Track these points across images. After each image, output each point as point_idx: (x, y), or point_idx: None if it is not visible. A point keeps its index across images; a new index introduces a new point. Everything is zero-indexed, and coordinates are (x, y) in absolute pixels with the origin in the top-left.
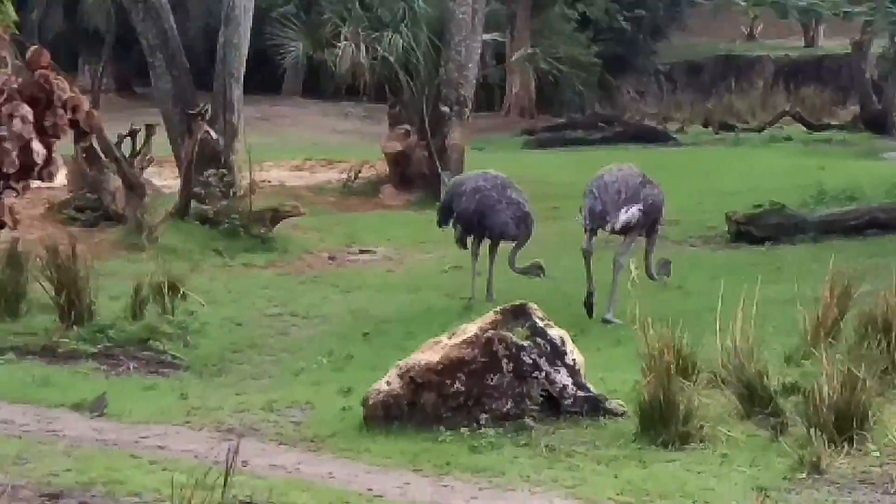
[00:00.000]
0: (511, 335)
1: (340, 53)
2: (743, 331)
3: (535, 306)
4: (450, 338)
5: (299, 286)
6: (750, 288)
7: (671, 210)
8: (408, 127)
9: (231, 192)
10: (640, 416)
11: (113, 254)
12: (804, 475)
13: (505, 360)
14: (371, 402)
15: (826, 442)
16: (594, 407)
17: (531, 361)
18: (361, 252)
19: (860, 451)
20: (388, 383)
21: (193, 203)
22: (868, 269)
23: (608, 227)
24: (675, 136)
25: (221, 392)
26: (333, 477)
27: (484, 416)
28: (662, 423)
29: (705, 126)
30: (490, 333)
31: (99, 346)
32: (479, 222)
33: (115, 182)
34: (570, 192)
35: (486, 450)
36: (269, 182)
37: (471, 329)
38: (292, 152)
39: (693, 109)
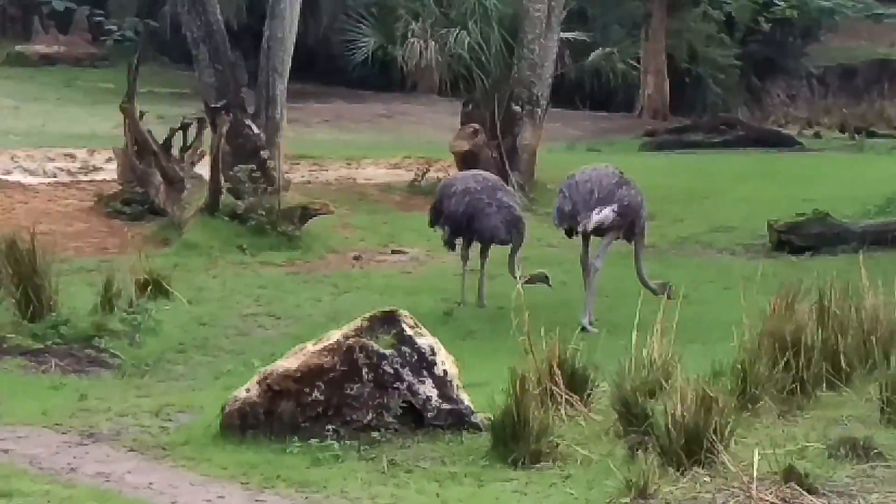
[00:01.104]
0: (372, 343)
1: (409, 50)
2: (660, 344)
3: (405, 313)
4: (315, 344)
5: (300, 286)
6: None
7: (739, 216)
8: (476, 126)
9: (264, 189)
10: (492, 433)
11: (140, 249)
12: (628, 499)
13: (365, 369)
14: (228, 410)
15: (668, 465)
16: (458, 420)
17: (393, 371)
18: (393, 252)
19: (706, 476)
20: (248, 391)
21: (230, 198)
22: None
23: (580, 228)
24: (801, 140)
25: (128, 394)
26: (151, 487)
27: (330, 427)
28: (514, 440)
29: (842, 131)
30: (351, 341)
31: (47, 342)
32: (468, 225)
33: None
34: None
35: (329, 463)
36: (354, 179)
37: (334, 335)
38: (398, 150)
39: (845, 114)
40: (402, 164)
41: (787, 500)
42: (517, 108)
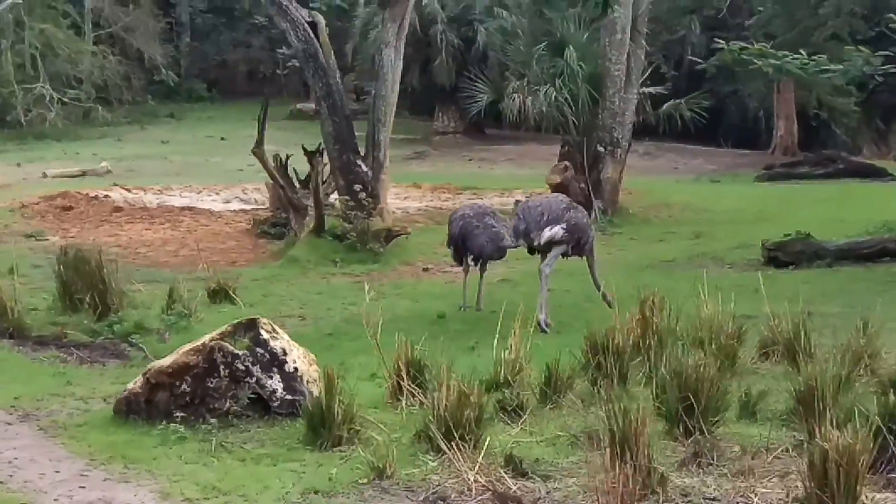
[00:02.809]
0: (228, 345)
1: (511, 103)
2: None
3: (265, 321)
4: (189, 345)
5: (349, 292)
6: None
7: (767, 236)
8: (567, 163)
9: (365, 214)
10: (306, 420)
11: (262, 262)
12: (367, 480)
13: (222, 366)
14: (118, 398)
15: (432, 451)
16: (297, 410)
17: (244, 368)
18: None
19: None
20: (134, 383)
21: (340, 221)
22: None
23: (535, 243)
24: (893, 172)
25: (106, 381)
26: (12, 462)
27: (179, 414)
28: (323, 426)
29: None
30: (213, 343)
31: (99, 338)
32: (462, 243)
33: None
34: (715, 219)
35: (172, 444)
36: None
37: (204, 339)
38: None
39: None
40: (545, 192)
41: (494, 482)
42: (601, 149)
